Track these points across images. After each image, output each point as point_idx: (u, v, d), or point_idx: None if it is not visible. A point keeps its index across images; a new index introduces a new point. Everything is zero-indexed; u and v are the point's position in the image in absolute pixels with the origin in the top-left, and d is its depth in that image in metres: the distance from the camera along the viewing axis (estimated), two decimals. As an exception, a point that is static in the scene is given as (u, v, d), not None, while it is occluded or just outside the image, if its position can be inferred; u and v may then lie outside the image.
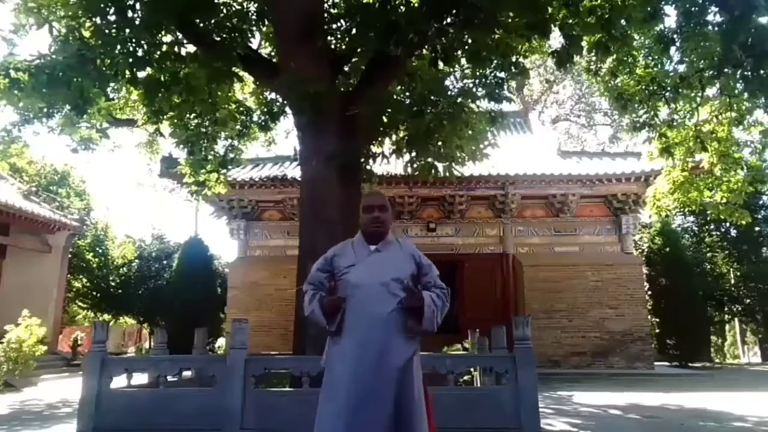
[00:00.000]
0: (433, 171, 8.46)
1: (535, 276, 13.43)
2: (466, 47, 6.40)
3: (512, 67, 6.72)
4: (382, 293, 2.39)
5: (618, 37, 6.67)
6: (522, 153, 15.09)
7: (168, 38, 7.66)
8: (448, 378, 5.35)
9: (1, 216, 14.51)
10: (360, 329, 2.34)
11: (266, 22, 8.26)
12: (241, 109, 9.97)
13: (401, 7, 6.74)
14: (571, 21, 6.42)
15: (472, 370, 6.85)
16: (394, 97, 8.44)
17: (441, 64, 6.61)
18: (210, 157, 9.85)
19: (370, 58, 7.49)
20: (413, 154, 8.41)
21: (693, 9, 6.61)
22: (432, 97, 7.51)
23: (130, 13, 6.50)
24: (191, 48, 7.74)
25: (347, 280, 2.46)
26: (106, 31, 6.50)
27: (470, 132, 7.85)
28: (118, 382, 5.78)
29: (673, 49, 7.40)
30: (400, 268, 2.48)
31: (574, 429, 6.06)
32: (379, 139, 8.81)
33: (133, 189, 66.17)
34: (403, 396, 2.30)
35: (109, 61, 6.54)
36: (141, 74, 7.29)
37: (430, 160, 8.41)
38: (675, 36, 7.12)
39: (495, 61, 6.76)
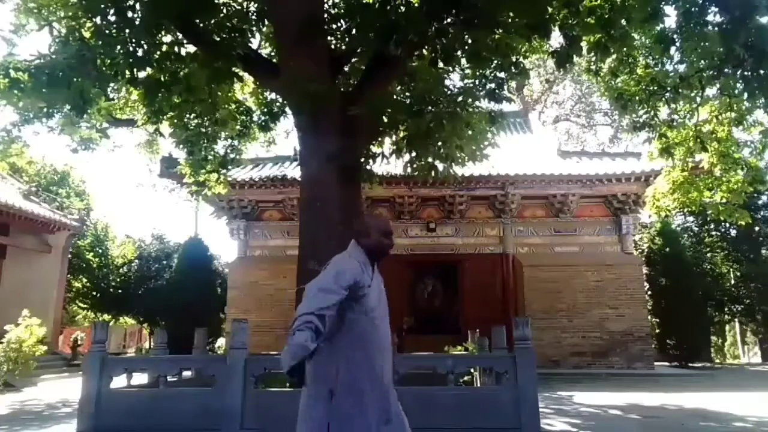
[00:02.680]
0: (433, 171, 8.46)
1: (535, 276, 13.43)
2: (466, 47, 6.39)
3: (512, 67, 6.71)
4: (386, 315, 2.63)
5: (618, 38, 6.66)
6: (522, 153, 15.08)
7: (168, 38, 7.66)
8: (448, 378, 5.35)
9: (1, 216, 14.51)
10: (380, 350, 2.53)
11: (266, 22, 8.25)
12: (241, 109, 9.97)
13: (401, 7, 6.73)
14: (571, 21, 6.42)
15: (472, 370, 6.85)
16: (394, 97, 8.43)
17: (441, 64, 6.60)
18: (210, 157, 9.85)
19: (370, 58, 7.48)
20: (413, 154, 8.39)
21: (693, 9, 6.60)
22: (432, 97, 7.50)
23: (130, 14, 6.49)
24: (191, 48, 7.74)
25: (366, 302, 2.50)
26: (106, 31, 6.50)
27: (470, 132, 7.83)
28: (118, 382, 5.79)
29: (673, 49, 7.39)
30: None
31: (574, 429, 6.06)
32: (379, 139, 8.80)
33: (133, 189, 66.18)
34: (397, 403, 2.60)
35: (109, 61, 6.55)
36: (141, 74, 7.29)
37: (430, 160, 8.40)
38: (675, 36, 7.12)
39: (495, 61, 6.75)
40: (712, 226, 20.45)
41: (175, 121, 8.98)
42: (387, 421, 2.44)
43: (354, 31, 7.44)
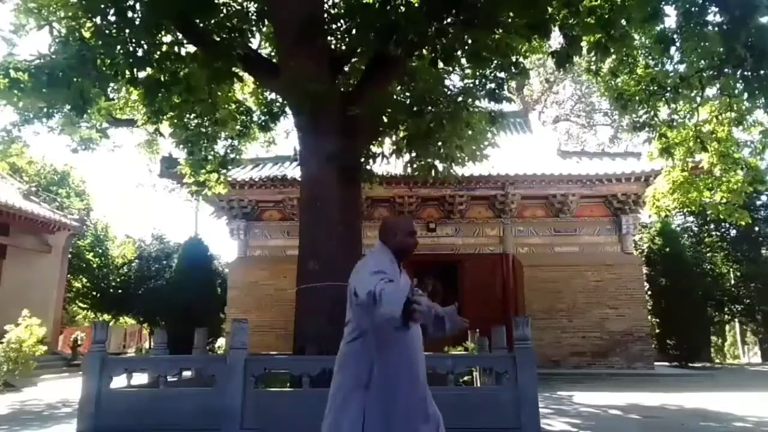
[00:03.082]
0: (433, 171, 8.46)
1: (535, 276, 13.43)
2: (466, 47, 6.39)
3: (512, 67, 6.71)
4: None
5: (618, 38, 6.66)
6: (522, 153, 15.08)
7: (168, 38, 7.66)
8: (448, 378, 5.34)
9: (1, 216, 14.51)
10: (412, 349, 2.56)
11: (266, 22, 8.26)
12: (241, 109, 9.97)
13: (401, 7, 6.74)
14: (571, 21, 6.41)
15: (472, 370, 6.85)
16: (394, 97, 8.44)
17: (441, 64, 6.60)
18: (210, 157, 9.86)
19: (370, 58, 7.48)
20: (413, 154, 8.40)
21: (693, 9, 6.59)
22: (432, 97, 7.50)
23: (130, 14, 6.49)
24: (191, 48, 7.74)
25: None
26: (106, 31, 6.51)
27: (470, 132, 7.84)
28: (118, 382, 5.79)
29: (673, 49, 7.38)
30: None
31: (574, 429, 6.06)
32: (379, 139, 8.80)
33: (133, 189, 66.19)
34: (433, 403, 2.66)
35: (109, 61, 6.55)
36: (141, 74, 7.29)
37: (430, 160, 8.41)
38: (675, 36, 7.11)
39: (495, 61, 6.75)
40: (712, 226, 20.46)
41: (175, 121, 8.98)
42: (425, 421, 2.52)
43: (354, 31, 7.45)
